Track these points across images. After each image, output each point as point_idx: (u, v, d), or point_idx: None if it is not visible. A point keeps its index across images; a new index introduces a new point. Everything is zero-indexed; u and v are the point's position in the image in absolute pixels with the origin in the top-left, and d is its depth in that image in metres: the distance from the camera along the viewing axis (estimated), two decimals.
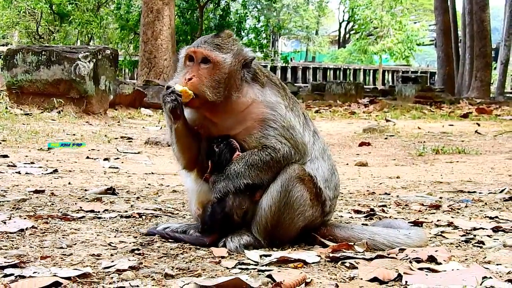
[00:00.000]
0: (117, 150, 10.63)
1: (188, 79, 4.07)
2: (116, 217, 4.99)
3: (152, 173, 8.27)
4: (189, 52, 4.17)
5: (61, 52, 16.02)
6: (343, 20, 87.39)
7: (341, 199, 6.29)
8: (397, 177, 8.40)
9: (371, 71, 66.26)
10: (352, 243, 4.11)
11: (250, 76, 4.25)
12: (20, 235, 4.21)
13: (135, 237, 4.31)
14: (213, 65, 4.12)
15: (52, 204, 5.45)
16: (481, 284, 3.30)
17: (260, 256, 3.86)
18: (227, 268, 3.63)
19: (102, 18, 43.21)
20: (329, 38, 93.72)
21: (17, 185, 6.57)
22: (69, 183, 6.92)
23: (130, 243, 4.13)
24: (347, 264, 3.73)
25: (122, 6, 39.01)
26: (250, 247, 4.07)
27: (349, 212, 5.56)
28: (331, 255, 3.87)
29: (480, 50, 40.46)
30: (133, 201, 5.81)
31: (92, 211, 5.16)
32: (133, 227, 4.65)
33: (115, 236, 4.31)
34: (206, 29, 38.48)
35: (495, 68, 52.78)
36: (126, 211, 5.23)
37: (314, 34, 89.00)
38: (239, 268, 3.63)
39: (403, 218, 5.27)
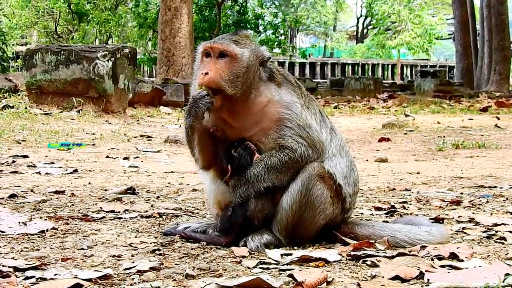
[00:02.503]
0: (137, 149, 10.66)
1: (205, 74, 4.04)
2: (136, 217, 4.99)
3: (172, 172, 8.28)
4: (206, 48, 4.15)
5: (79, 52, 16.07)
6: (361, 15, 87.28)
7: (362, 196, 6.27)
8: (417, 173, 8.36)
9: (390, 66, 66.03)
10: (373, 241, 4.10)
11: (267, 76, 4.23)
12: (40, 236, 4.22)
13: (156, 237, 4.31)
14: (231, 58, 4.09)
15: (73, 205, 5.46)
16: (503, 281, 3.26)
17: (281, 255, 3.85)
18: (248, 267, 3.62)
19: (121, 16, 43.31)
20: (346, 34, 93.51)
21: (37, 186, 6.59)
22: (89, 183, 6.94)
23: (150, 243, 4.13)
24: (369, 263, 3.70)
25: (140, 4, 39.18)
26: (271, 246, 4.06)
27: (369, 209, 5.54)
28: (352, 253, 3.85)
29: (499, 44, 40.26)
30: (153, 201, 5.82)
31: (112, 211, 5.17)
32: (154, 227, 4.65)
33: (135, 237, 4.31)
34: (224, 26, 38.56)
35: None
36: (147, 211, 5.23)
37: (332, 30, 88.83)
38: (260, 268, 3.61)
39: (424, 215, 5.25)
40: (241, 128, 4.17)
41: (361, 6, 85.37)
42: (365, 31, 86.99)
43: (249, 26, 40.36)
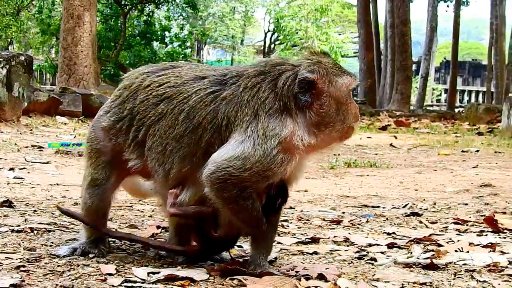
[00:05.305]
0: (25, 159, 10.38)
1: None
2: (6, 231, 4.83)
3: (58, 184, 8.07)
4: None
5: None
6: (269, 30, 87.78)
7: None
8: (305, 191, 8.38)
9: None
10: (241, 260, 4.11)
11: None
12: None
13: (23, 253, 4.20)
14: None
15: None
16: None
17: (148, 273, 3.81)
18: (113, 286, 3.57)
19: (23, 22, 42.51)
20: (254, 48, 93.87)
21: None
22: None
23: (16, 259, 4.02)
24: (236, 282, 3.70)
25: (43, 10, 38.52)
26: None
27: None
28: (220, 271, 3.84)
29: (401, 64, 41.16)
30: (29, 215, 5.65)
31: None
32: (23, 242, 4.52)
33: (1, 252, 4.18)
34: (130, 36, 38.28)
35: (417, 81, 53.89)
36: (19, 225, 5.07)
37: (240, 44, 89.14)
38: (125, 286, 3.57)
39: (302, 234, 5.28)
40: None
41: (269, 21, 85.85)
42: (272, 46, 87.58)
43: (155, 38, 40.22)
